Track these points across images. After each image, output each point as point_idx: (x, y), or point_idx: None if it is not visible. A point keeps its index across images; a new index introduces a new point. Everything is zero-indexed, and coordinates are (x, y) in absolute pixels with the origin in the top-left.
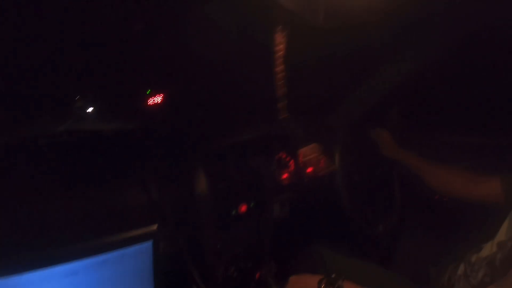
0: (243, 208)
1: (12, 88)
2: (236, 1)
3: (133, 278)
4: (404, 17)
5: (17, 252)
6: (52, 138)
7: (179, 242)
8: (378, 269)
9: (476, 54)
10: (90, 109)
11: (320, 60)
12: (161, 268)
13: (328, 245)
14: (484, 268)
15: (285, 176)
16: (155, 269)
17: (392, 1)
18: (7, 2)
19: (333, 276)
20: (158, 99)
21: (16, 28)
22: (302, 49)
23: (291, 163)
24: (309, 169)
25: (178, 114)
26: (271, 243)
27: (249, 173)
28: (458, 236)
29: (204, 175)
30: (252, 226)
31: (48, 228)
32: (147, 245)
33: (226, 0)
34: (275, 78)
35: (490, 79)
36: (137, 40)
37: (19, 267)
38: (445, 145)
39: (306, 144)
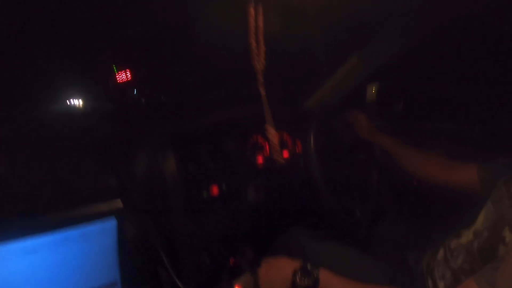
0: (215, 190)
1: None
2: None
3: (96, 258)
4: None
5: None
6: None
7: (147, 225)
8: (355, 254)
9: (459, 41)
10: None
11: (298, 43)
12: (128, 250)
13: (305, 230)
14: (463, 255)
15: (260, 159)
16: (120, 249)
17: None
18: None
19: (308, 267)
20: (126, 75)
21: None
22: (280, 30)
23: (267, 147)
24: (285, 153)
25: (148, 92)
26: (246, 228)
27: (222, 155)
28: (436, 223)
29: (174, 155)
30: (226, 210)
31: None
32: (111, 222)
33: None
34: (251, 55)
35: (472, 67)
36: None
37: None
38: (423, 132)
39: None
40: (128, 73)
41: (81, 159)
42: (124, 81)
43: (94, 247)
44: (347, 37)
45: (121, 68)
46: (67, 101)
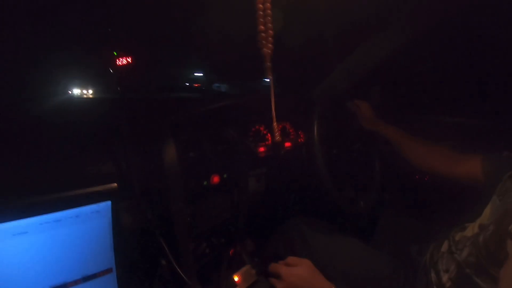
0: (216, 179)
1: None
2: None
3: (90, 242)
4: None
5: None
6: None
7: (146, 213)
8: (357, 245)
9: (461, 33)
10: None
11: (304, 35)
12: (125, 236)
13: (306, 220)
14: (468, 248)
15: (262, 149)
16: (115, 235)
17: None
18: None
19: None
20: (126, 60)
21: None
22: (287, 17)
23: (269, 136)
24: (287, 143)
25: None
26: (247, 218)
27: (223, 143)
28: (439, 215)
29: (174, 143)
30: (226, 200)
31: None
32: (105, 206)
33: None
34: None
35: (474, 59)
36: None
37: None
38: (427, 123)
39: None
40: (129, 59)
41: (79, 145)
42: (125, 65)
43: (87, 231)
44: (355, 26)
45: (123, 55)
46: (69, 90)
